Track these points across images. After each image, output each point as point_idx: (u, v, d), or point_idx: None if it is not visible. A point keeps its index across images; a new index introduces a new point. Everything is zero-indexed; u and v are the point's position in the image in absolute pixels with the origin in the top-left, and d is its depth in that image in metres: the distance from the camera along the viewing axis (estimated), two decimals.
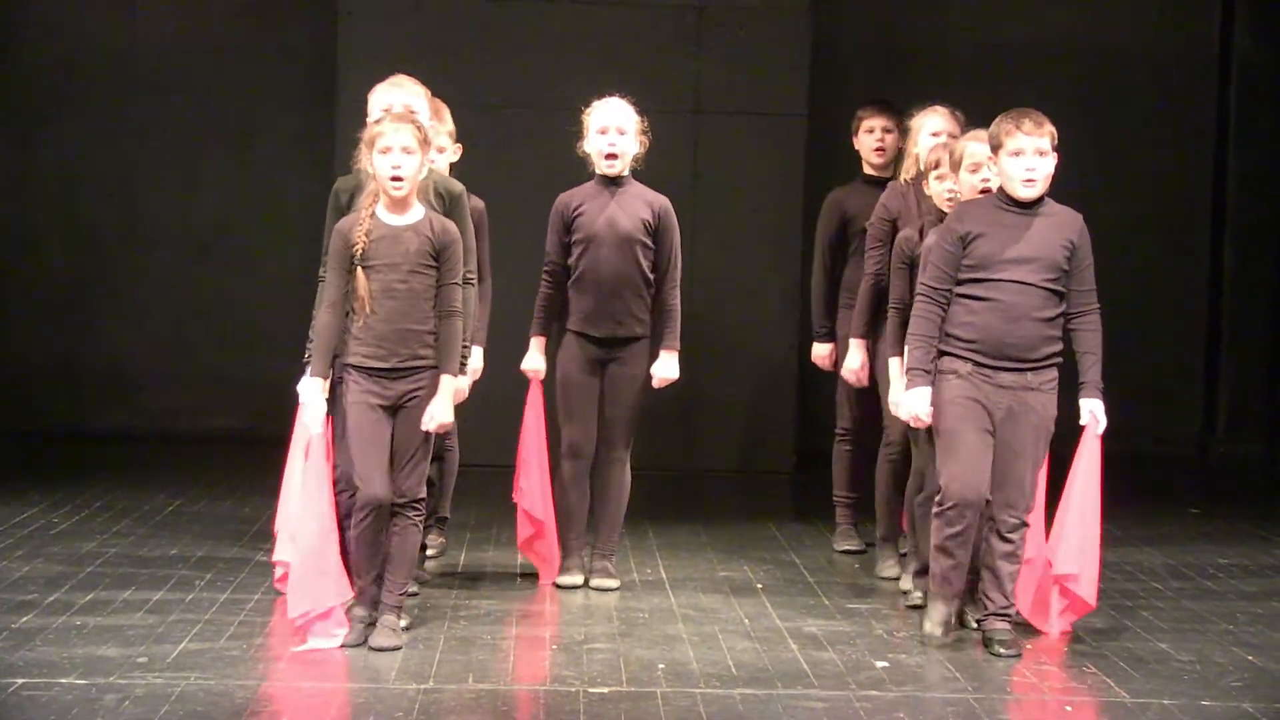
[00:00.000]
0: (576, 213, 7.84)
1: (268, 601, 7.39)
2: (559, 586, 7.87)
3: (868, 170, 8.89)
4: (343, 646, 6.68)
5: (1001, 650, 6.85)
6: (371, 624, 6.81)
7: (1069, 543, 7.04)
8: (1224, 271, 12.64)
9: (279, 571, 7.42)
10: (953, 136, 7.88)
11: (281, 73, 12.24)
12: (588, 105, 7.93)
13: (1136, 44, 12.48)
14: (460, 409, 7.05)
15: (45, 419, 12.01)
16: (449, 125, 7.92)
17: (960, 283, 6.91)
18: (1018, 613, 7.08)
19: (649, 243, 7.84)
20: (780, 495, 10.91)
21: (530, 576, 8.05)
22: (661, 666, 6.62)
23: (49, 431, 11.89)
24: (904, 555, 8.13)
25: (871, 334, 8.29)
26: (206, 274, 12.27)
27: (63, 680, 6.19)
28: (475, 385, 7.72)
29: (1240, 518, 10.20)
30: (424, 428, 6.79)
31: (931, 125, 8.10)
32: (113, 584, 7.68)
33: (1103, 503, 7.14)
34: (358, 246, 6.78)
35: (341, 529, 6.87)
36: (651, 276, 7.86)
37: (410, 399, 6.80)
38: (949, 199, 7.52)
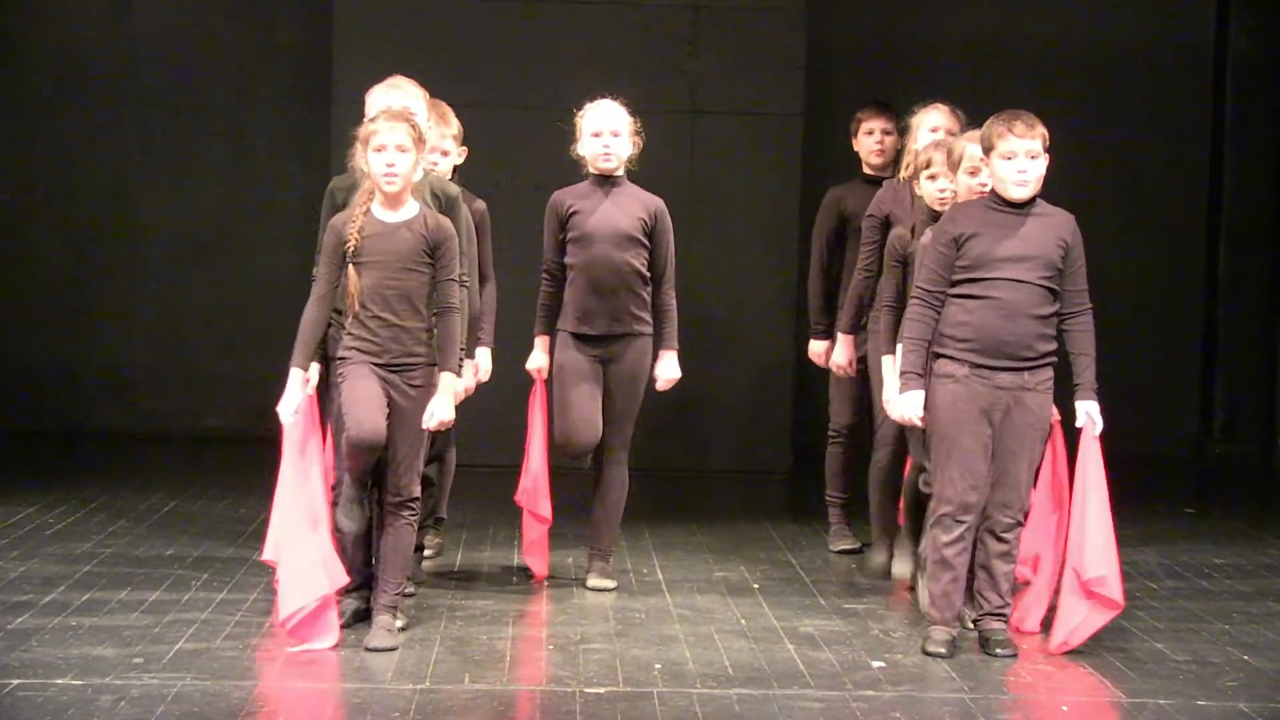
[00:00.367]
0: (571, 211, 7.83)
1: (264, 602, 7.37)
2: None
3: (867, 171, 8.89)
4: (336, 647, 6.67)
5: (998, 650, 6.85)
6: (365, 612, 6.79)
7: (1094, 546, 6.84)
8: (1219, 272, 12.64)
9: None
10: (952, 134, 7.88)
11: (277, 73, 12.24)
12: (582, 105, 7.93)
13: (1131, 45, 12.47)
14: (459, 408, 7.03)
15: (41, 419, 12.01)
16: (455, 128, 7.85)
17: (955, 283, 6.90)
18: (1043, 624, 7.01)
19: (645, 242, 7.84)
20: (776, 495, 10.91)
21: (527, 577, 8.05)
22: (658, 666, 6.62)
23: (44, 431, 11.89)
24: (894, 557, 8.16)
25: (860, 329, 8.33)
26: (202, 274, 12.27)
27: (59, 681, 6.18)
28: (476, 386, 7.74)
29: (1236, 518, 10.21)
30: (424, 425, 6.77)
31: (931, 122, 8.10)
32: (109, 584, 7.67)
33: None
34: (350, 243, 6.76)
35: (334, 521, 6.85)
36: (648, 275, 7.86)
37: (405, 396, 6.78)
38: (940, 199, 7.53)
